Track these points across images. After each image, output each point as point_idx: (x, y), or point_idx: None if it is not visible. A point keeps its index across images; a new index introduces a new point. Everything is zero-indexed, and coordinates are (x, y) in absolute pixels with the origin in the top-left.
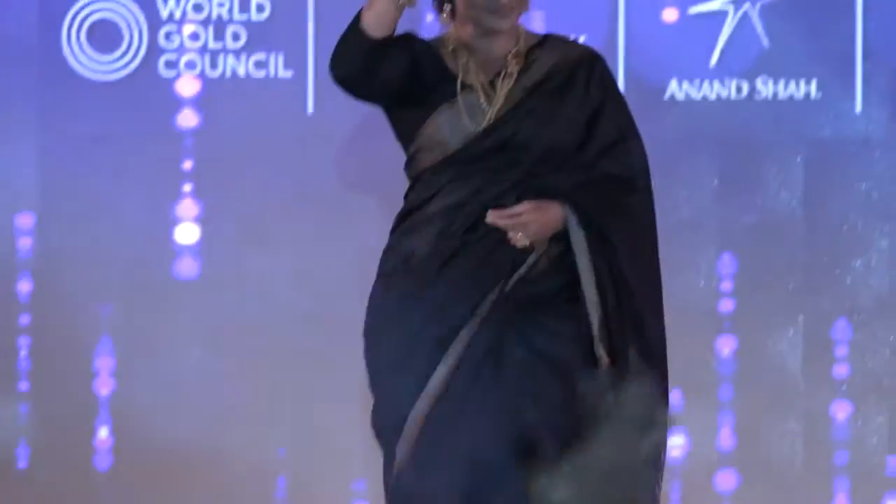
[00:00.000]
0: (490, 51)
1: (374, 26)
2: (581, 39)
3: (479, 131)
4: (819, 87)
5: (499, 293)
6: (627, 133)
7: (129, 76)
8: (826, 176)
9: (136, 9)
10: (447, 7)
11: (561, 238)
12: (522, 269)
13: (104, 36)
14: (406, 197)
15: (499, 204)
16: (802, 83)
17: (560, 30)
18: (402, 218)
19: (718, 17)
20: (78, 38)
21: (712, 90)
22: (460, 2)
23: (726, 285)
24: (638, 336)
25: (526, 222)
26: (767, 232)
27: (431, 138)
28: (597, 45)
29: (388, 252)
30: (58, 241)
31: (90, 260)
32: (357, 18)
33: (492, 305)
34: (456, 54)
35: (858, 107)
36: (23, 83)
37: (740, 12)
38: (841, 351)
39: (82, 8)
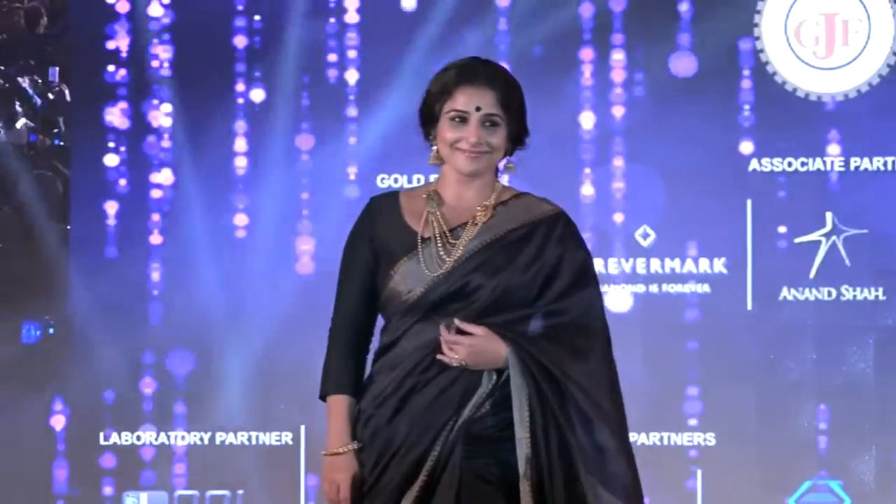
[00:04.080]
0: (461, 199)
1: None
2: (719, 261)
3: (436, 277)
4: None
5: (447, 433)
6: (584, 282)
7: None
8: None
9: None
10: (434, 148)
11: (505, 383)
12: (466, 412)
13: None
14: (381, 333)
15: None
16: (872, 289)
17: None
18: (378, 355)
19: (815, 244)
20: None
21: (811, 294)
22: (439, 141)
23: None
24: (601, 471)
25: (464, 343)
26: None
27: (395, 289)
28: (729, 264)
29: (367, 383)
30: None
31: None
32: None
33: (443, 444)
34: (427, 201)
35: None
36: None
37: (830, 241)
38: None
39: None
